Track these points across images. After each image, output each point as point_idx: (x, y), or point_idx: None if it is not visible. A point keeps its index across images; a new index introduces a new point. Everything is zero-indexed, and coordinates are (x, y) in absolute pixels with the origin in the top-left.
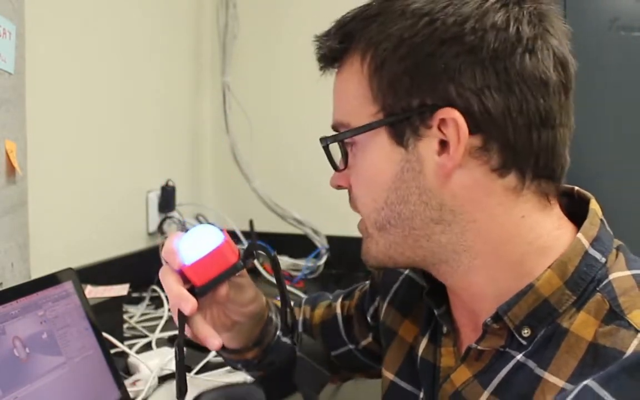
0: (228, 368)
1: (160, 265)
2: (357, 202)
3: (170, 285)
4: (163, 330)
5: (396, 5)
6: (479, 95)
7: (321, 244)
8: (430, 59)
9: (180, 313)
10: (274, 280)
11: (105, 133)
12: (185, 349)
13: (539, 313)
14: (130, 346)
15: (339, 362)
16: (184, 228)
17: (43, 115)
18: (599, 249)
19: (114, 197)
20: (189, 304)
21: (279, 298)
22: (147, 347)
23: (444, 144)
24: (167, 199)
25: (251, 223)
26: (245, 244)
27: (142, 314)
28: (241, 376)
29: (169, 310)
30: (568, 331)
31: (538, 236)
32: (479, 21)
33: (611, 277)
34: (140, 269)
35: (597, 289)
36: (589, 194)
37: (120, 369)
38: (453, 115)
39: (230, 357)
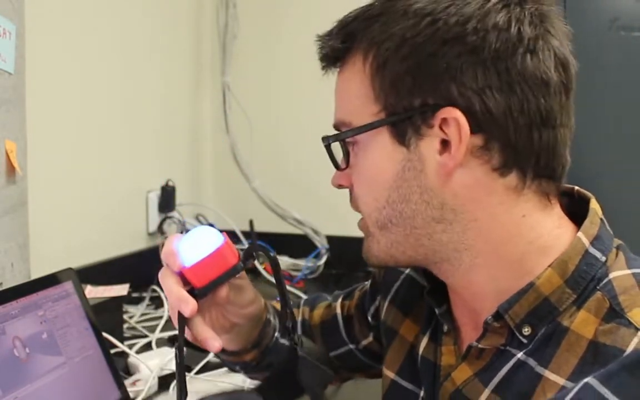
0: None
1: (160, 265)
2: (359, 201)
3: (170, 287)
4: (163, 330)
5: (398, 5)
6: (480, 95)
7: (321, 244)
8: (432, 58)
9: (180, 315)
10: (274, 280)
11: (105, 133)
12: (185, 349)
13: (540, 311)
14: (130, 346)
15: (339, 362)
16: (184, 228)
17: (43, 115)
18: (599, 248)
19: (114, 197)
20: (189, 305)
21: (278, 299)
22: (147, 347)
23: (445, 144)
24: (167, 199)
25: (251, 223)
26: (246, 244)
27: (142, 314)
28: (240, 378)
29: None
30: (568, 329)
31: (538, 235)
32: (481, 21)
33: (611, 275)
34: (140, 269)
35: (598, 287)
36: (589, 194)
37: (120, 369)
38: (455, 114)
39: (229, 359)
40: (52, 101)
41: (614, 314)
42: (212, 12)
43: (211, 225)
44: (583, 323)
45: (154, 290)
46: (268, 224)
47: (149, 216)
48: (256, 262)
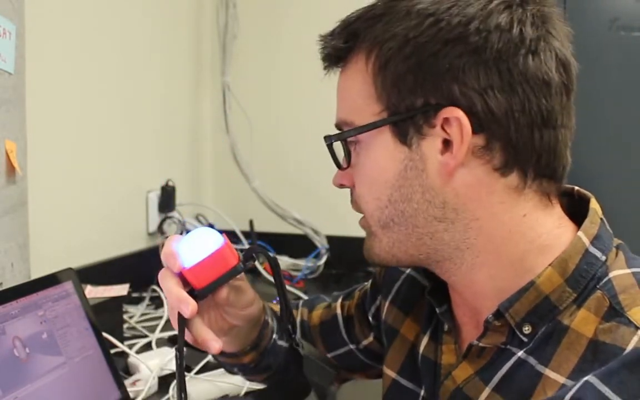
0: None
1: (160, 265)
2: (360, 200)
3: (170, 288)
4: (163, 330)
5: (401, 6)
6: (482, 95)
7: (321, 244)
8: (435, 58)
9: (180, 316)
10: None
11: (105, 133)
12: (185, 350)
13: (540, 310)
14: (130, 346)
15: (339, 362)
16: (184, 228)
17: (43, 115)
18: (599, 247)
19: (114, 197)
20: (189, 306)
21: (276, 301)
22: (147, 347)
23: (447, 143)
24: (167, 199)
25: (251, 223)
26: (246, 244)
27: (142, 314)
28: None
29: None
30: (568, 328)
31: (539, 235)
32: (483, 22)
33: (611, 275)
34: (140, 269)
35: (597, 286)
36: (588, 194)
37: (120, 369)
38: (457, 114)
39: (227, 362)
40: (52, 101)
41: (614, 312)
42: (212, 12)
43: (211, 225)
44: (583, 322)
45: (154, 290)
46: (268, 224)
47: (149, 216)
48: (256, 262)
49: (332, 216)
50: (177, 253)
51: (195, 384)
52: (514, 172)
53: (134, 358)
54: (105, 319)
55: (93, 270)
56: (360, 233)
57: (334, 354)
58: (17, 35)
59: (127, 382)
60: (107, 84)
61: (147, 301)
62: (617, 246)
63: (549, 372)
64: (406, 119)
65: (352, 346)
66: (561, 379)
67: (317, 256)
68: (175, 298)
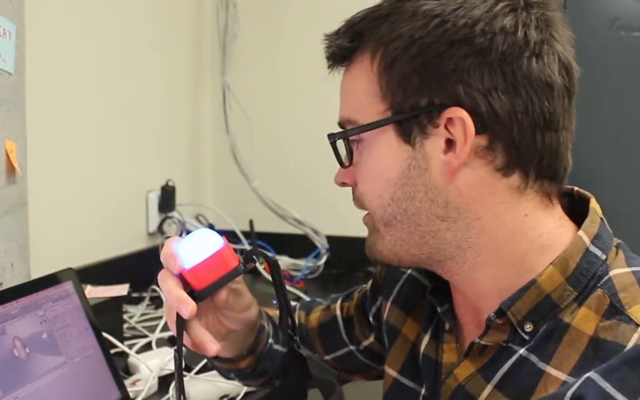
0: None
1: (160, 265)
2: (363, 198)
3: (170, 288)
4: (163, 330)
5: (407, 7)
6: (486, 96)
7: (321, 244)
8: (440, 59)
9: (179, 318)
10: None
11: (105, 133)
12: (184, 350)
13: (541, 308)
14: (130, 346)
15: (338, 364)
16: (184, 228)
17: (43, 115)
18: (599, 246)
19: (114, 197)
20: (188, 307)
21: (274, 302)
22: (147, 347)
23: (450, 143)
24: (167, 199)
25: (251, 223)
26: (246, 244)
27: (142, 314)
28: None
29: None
30: (569, 326)
31: (540, 234)
32: (489, 24)
33: (611, 273)
34: (140, 269)
35: (598, 285)
36: (588, 194)
37: (120, 369)
38: (460, 114)
39: (224, 367)
40: (52, 101)
41: (615, 310)
42: (212, 12)
43: (211, 225)
44: (584, 319)
45: (154, 291)
46: (268, 224)
47: (149, 216)
48: (257, 263)
49: (332, 216)
50: (177, 254)
51: (195, 384)
52: (516, 172)
53: (134, 358)
54: (105, 319)
55: (93, 270)
56: (361, 233)
57: (333, 356)
58: (17, 35)
59: (127, 382)
60: (107, 84)
61: (147, 301)
62: (617, 245)
63: (550, 370)
64: (410, 118)
65: (352, 347)
66: (562, 376)
67: (317, 256)
68: (175, 299)
